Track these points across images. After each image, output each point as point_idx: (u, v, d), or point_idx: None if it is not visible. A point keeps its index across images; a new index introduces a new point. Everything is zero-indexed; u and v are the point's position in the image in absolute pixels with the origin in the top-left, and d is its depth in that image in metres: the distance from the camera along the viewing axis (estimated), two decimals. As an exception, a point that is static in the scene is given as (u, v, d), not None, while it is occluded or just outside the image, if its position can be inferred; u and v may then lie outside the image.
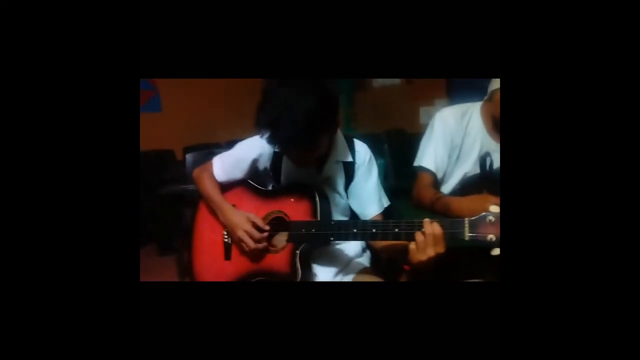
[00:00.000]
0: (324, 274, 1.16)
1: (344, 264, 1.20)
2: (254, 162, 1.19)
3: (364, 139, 1.27)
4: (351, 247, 1.23)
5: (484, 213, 0.87)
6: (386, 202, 1.21)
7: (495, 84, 1.23)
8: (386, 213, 1.21)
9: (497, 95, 1.22)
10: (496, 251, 0.86)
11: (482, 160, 1.30)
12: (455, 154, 1.31)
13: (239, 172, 1.20)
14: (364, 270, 1.21)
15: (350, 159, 1.17)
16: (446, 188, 1.33)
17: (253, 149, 1.18)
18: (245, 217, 1.11)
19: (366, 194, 1.18)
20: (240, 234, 1.09)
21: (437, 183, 1.32)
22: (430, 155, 1.31)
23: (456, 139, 1.30)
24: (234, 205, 1.17)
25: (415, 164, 1.35)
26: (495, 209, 0.87)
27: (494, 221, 0.86)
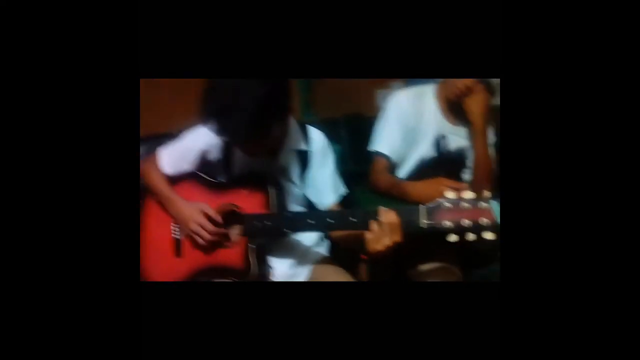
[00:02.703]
0: (280, 266, 1.12)
1: (301, 253, 1.16)
2: (203, 153, 1.13)
3: (323, 124, 1.24)
4: (308, 236, 1.19)
5: (439, 200, 0.86)
6: (343, 190, 1.18)
7: None
8: (344, 200, 1.19)
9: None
10: (453, 237, 0.85)
11: (437, 142, 1.30)
12: (410, 137, 1.30)
13: (186, 164, 1.13)
14: (322, 260, 1.18)
15: (304, 147, 1.13)
16: (402, 172, 1.33)
17: (201, 138, 1.11)
18: (197, 208, 1.05)
19: (322, 183, 1.15)
20: (193, 226, 1.03)
21: (392, 167, 1.31)
22: (384, 139, 1.30)
23: (411, 121, 1.29)
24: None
25: (371, 148, 1.33)
26: (450, 194, 0.86)
27: (450, 207, 0.85)
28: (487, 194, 0.84)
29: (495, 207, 0.83)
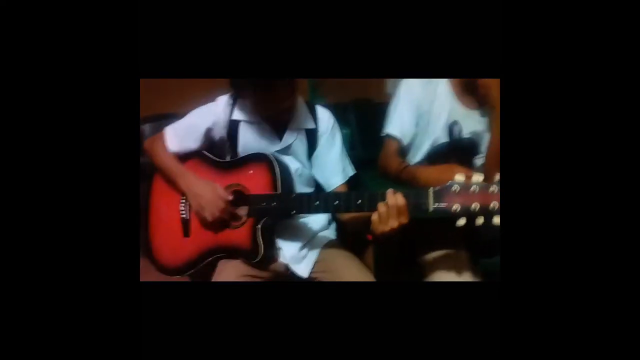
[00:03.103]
0: (288, 248, 1.12)
1: (309, 237, 1.16)
2: (209, 131, 1.13)
3: (331, 108, 1.23)
4: (316, 220, 1.19)
5: (449, 182, 0.85)
6: (351, 171, 1.18)
7: None
8: (352, 184, 1.18)
9: None
10: (461, 221, 0.83)
11: (450, 128, 1.26)
12: (423, 121, 1.27)
13: (192, 142, 1.13)
14: (329, 244, 1.18)
15: (312, 125, 1.14)
16: (414, 157, 1.30)
17: (207, 116, 1.12)
18: (209, 185, 1.06)
19: (330, 163, 1.15)
20: (203, 202, 1.04)
21: (403, 151, 1.29)
22: (396, 122, 1.26)
23: (424, 104, 1.26)
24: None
25: (383, 132, 1.30)
26: (460, 177, 0.84)
27: (459, 190, 0.83)
28: (496, 177, 0.82)
29: None
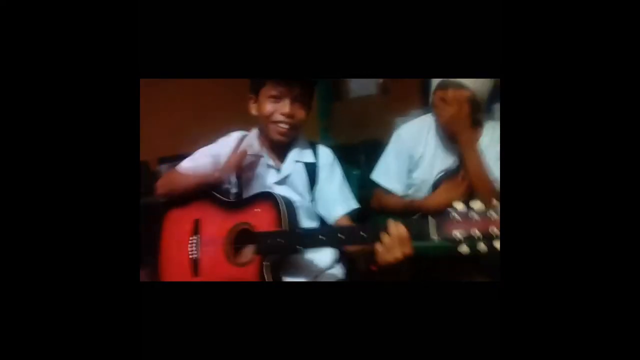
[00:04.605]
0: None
1: (315, 276, 1.18)
2: (218, 159, 1.18)
3: (341, 149, 1.31)
4: (322, 258, 1.20)
5: (447, 209, 0.86)
6: (354, 204, 1.20)
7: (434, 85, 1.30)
8: (356, 216, 1.21)
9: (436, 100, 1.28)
10: (464, 249, 0.84)
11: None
12: (421, 164, 1.35)
13: (204, 161, 1.19)
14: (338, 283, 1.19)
15: (312, 159, 1.19)
16: (419, 192, 1.36)
17: (221, 146, 1.20)
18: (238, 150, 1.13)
19: (331, 195, 1.18)
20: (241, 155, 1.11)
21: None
22: (383, 170, 1.38)
23: (418, 150, 1.35)
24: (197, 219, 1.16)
25: (372, 176, 1.39)
26: (459, 205, 0.85)
27: (459, 219, 0.84)
28: (496, 203, 0.83)
29: None
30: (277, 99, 1.11)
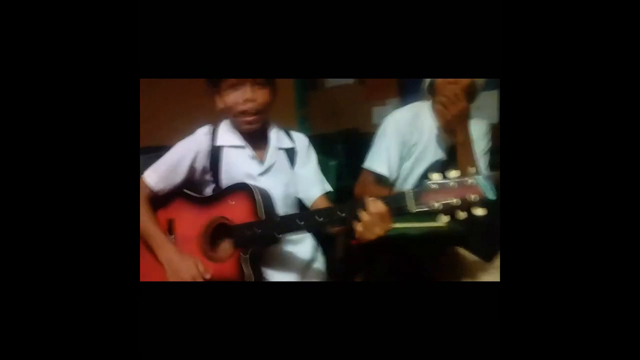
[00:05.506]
0: (276, 278, 1.13)
1: (298, 268, 1.17)
2: (192, 162, 1.13)
3: (318, 138, 1.30)
4: (303, 250, 1.19)
5: (425, 181, 0.85)
6: (329, 187, 1.21)
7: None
8: (332, 197, 1.21)
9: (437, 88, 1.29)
10: (443, 218, 0.83)
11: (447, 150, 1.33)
12: (413, 152, 1.35)
13: (177, 176, 1.12)
14: (319, 276, 1.19)
15: (290, 144, 1.20)
16: (405, 184, 1.37)
17: (188, 149, 1.13)
18: (189, 261, 1.04)
19: (308, 177, 1.19)
20: (186, 277, 1.03)
21: (383, 181, 1.36)
22: (376, 156, 1.36)
23: (412, 138, 1.35)
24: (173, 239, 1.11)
25: (366, 165, 1.38)
26: (435, 176, 0.85)
27: (437, 188, 0.84)
28: (471, 170, 0.83)
29: (481, 182, 0.81)
30: (237, 86, 1.07)
